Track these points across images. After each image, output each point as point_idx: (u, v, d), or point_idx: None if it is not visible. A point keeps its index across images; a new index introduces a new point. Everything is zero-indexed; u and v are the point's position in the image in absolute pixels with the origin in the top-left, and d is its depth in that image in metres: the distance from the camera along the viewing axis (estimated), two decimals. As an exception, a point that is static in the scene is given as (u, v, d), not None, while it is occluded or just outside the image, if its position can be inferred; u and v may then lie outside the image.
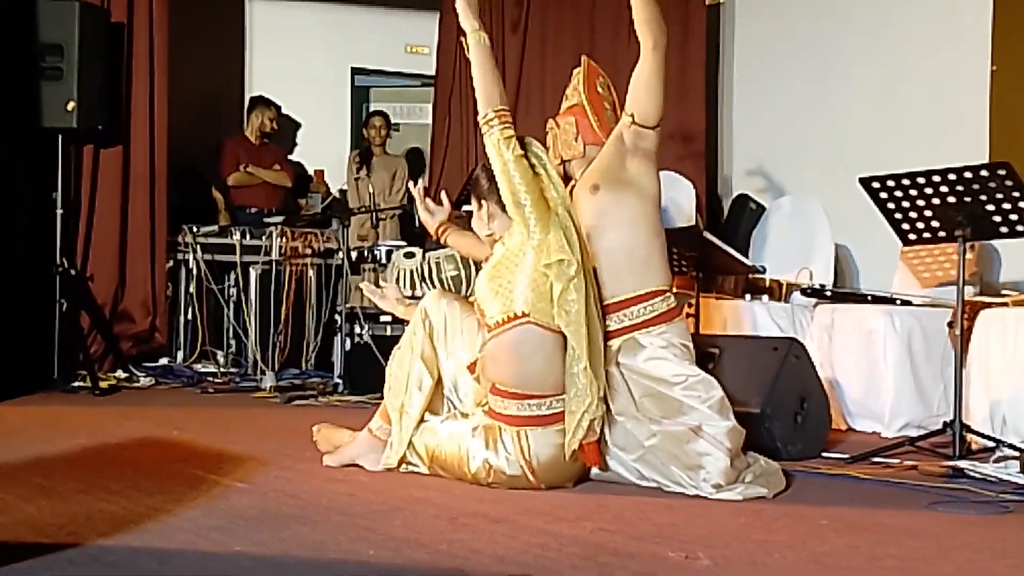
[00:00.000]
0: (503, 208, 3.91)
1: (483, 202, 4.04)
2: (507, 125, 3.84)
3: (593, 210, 4.11)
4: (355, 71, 10.08)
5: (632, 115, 4.23)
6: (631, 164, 4.20)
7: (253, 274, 7.73)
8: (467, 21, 4.01)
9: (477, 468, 3.83)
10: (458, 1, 4.04)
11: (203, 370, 7.57)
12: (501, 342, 3.83)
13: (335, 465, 4.20)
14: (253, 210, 8.61)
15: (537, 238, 3.80)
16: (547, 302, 3.79)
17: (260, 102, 8.89)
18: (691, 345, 4.14)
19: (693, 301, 5.74)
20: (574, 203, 4.01)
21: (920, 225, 4.69)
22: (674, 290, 4.23)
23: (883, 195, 4.68)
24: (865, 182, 4.70)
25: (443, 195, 4.64)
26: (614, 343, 4.04)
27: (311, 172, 9.53)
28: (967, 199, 4.49)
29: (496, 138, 3.83)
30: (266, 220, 8.02)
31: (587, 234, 4.01)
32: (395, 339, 6.53)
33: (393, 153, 9.39)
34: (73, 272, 7.02)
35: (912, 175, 4.59)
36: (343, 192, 9.38)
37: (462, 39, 4.05)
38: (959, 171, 4.47)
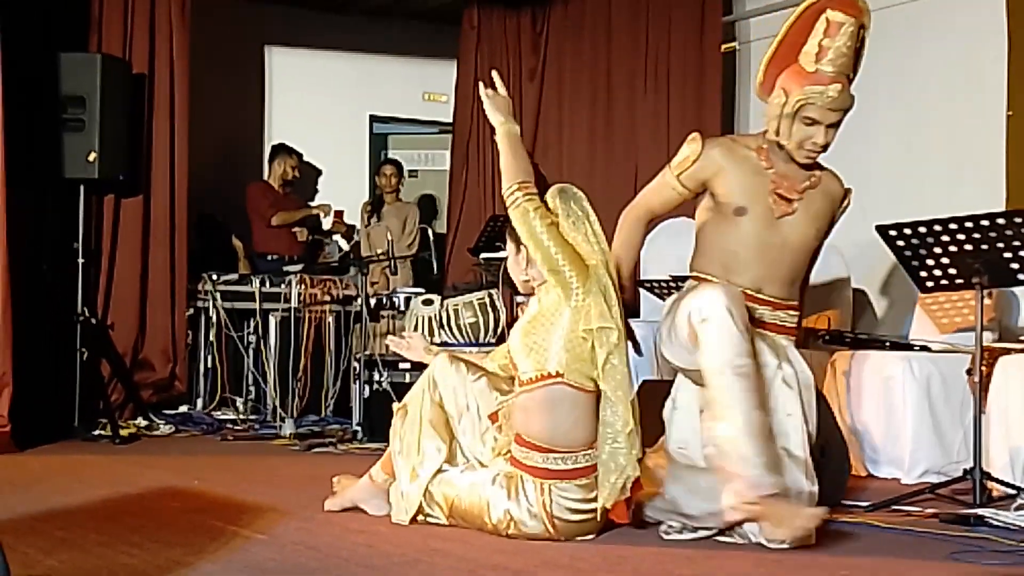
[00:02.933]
0: None
1: (521, 247, 4.04)
2: (531, 196, 3.87)
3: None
4: (373, 119, 10.17)
5: None
6: None
7: (273, 321, 7.77)
8: (494, 117, 4.07)
9: (498, 518, 3.83)
10: (485, 101, 4.07)
11: (223, 417, 7.59)
12: (533, 397, 3.85)
13: (336, 509, 4.25)
14: (273, 257, 8.66)
15: (576, 301, 3.81)
16: (582, 362, 3.82)
17: (282, 150, 8.97)
18: None
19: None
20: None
21: (937, 272, 4.69)
22: None
23: (900, 243, 4.69)
24: (882, 230, 4.71)
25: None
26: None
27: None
28: (984, 246, 4.49)
29: (522, 208, 3.85)
30: (285, 268, 8.06)
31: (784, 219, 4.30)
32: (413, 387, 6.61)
33: (406, 200, 9.45)
34: (94, 321, 7.06)
35: (929, 223, 4.60)
36: (357, 242, 9.43)
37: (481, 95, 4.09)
38: (976, 219, 4.48)
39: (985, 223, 4.46)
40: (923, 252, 4.66)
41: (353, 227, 9.45)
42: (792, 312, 4.30)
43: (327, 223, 9.10)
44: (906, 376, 5.50)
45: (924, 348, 5.75)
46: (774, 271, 4.24)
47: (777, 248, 4.23)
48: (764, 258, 4.22)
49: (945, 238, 4.58)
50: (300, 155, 9.04)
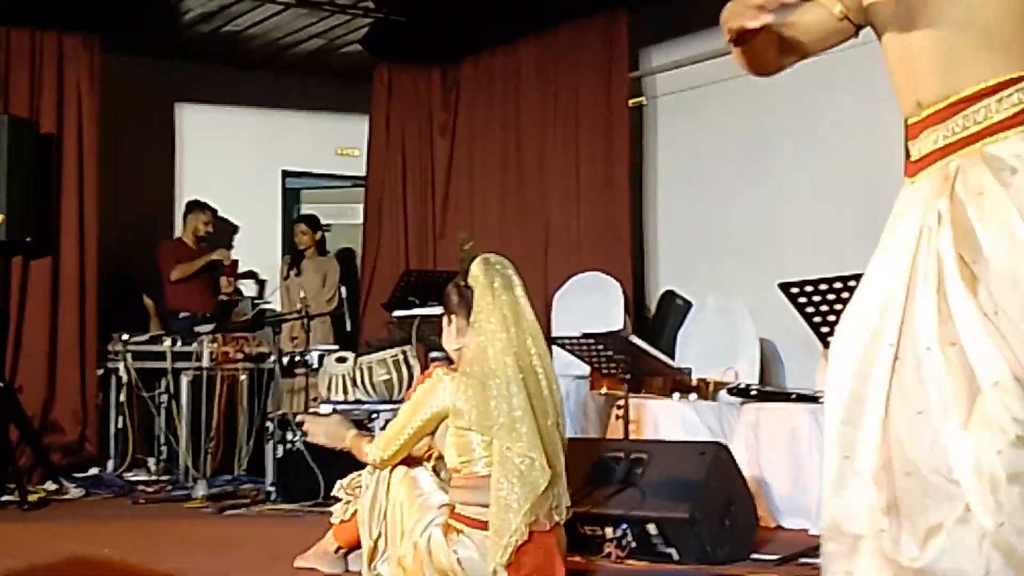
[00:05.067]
0: (469, 319, 4.02)
1: (452, 317, 4.13)
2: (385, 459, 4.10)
3: None
4: (286, 174, 10.17)
5: None
6: None
7: (184, 380, 7.70)
8: (337, 442, 4.27)
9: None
10: (315, 436, 4.35)
11: (134, 479, 7.51)
12: (467, 483, 3.99)
13: (302, 566, 4.44)
14: (185, 315, 8.60)
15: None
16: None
17: (195, 206, 8.94)
18: None
19: (623, 403, 5.81)
20: None
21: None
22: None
23: (802, 300, 4.80)
24: (784, 287, 4.83)
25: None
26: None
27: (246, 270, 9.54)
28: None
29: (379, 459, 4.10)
30: (197, 329, 8.00)
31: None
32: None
33: (325, 255, 9.46)
34: (1, 384, 6.97)
35: (829, 280, 4.72)
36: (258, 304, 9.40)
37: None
38: (873, 276, 4.60)
39: (883, 280, 4.58)
40: (825, 308, 4.77)
41: (249, 274, 9.36)
42: None
43: (223, 284, 8.97)
44: (811, 428, 5.60)
45: (829, 400, 5.87)
46: None
47: None
48: None
49: (845, 295, 4.69)
50: (214, 211, 9.00)
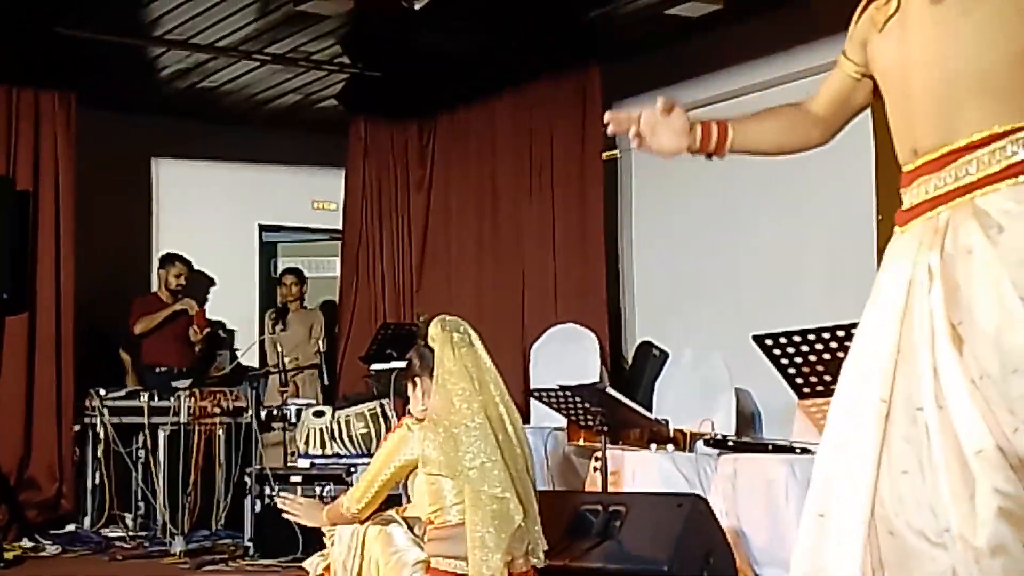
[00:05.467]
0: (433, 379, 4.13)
1: (417, 380, 4.26)
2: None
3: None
4: (262, 227, 10.19)
5: None
6: None
7: (162, 435, 7.68)
8: (315, 520, 4.36)
9: None
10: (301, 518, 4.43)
11: (111, 535, 7.47)
12: (441, 534, 4.04)
13: None
14: (162, 369, 8.58)
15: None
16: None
17: (168, 259, 8.94)
18: None
19: (600, 455, 5.84)
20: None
21: (813, 379, 4.87)
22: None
23: (776, 351, 4.86)
24: (759, 340, 4.88)
25: None
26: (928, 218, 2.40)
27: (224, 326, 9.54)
28: (856, 354, 4.67)
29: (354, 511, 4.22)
30: (174, 384, 7.99)
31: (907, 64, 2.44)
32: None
33: (309, 307, 9.47)
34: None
35: (803, 332, 4.79)
36: (262, 344, 9.38)
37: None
38: (847, 328, 4.66)
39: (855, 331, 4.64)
40: (799, 360, 4.84)
41: (217, 324, 9.32)
42: None
43: (192, 334, 8.91)
44: (789, 478, 5.62)
45: (805, 450, 5.91)
46: None
47: None
48: None
49: (819, 346, 4.76)
50: (188, 263, 8.99)
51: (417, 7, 6.87)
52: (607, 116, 2.62)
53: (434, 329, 4.20)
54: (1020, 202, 2.25)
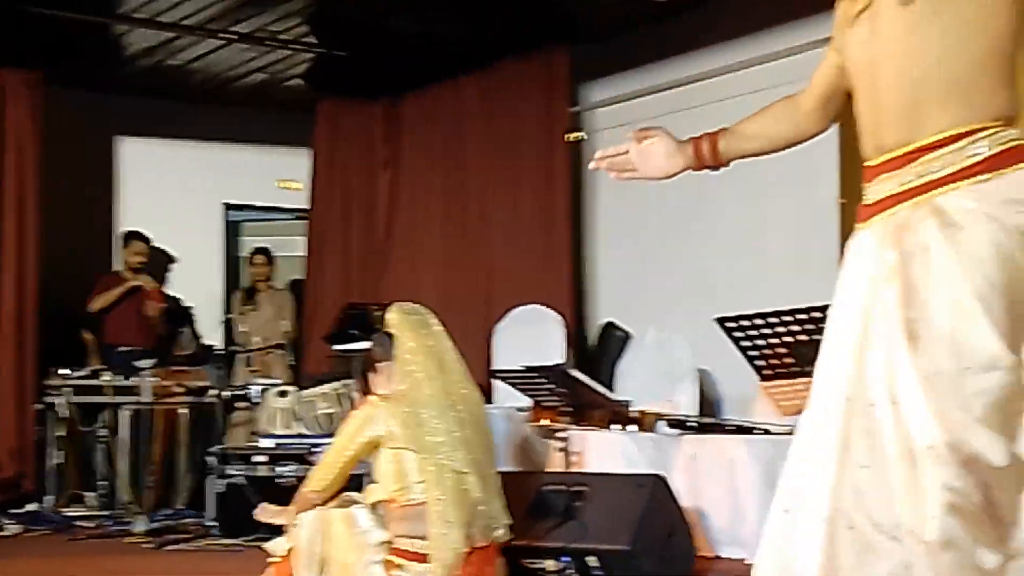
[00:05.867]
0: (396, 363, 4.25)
1: (379, 366, 4.38)
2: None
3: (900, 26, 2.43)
4: (227, 207, 10.15)
5: None
6: None
7: (124, 415, 7.65)
8: (289, 516, 4.39)
9: None
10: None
11: (73, 515, 7.44)
12: (404, 513, 4.13)
13: None
14: (125, 349, 8.53)
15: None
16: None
17: (129, 237, 8.89)
18: None
19: (564, 435, 5.88)
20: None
21: (775, 362, 4.92)
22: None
23: (739, 334, 4.90)
24: (721, 322, 4.92)
25: None
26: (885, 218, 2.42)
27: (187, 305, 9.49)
28: (818, 336, 4.71)
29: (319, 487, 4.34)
30: (137, 364, 7.95)
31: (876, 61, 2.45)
32: (268, 480, 6.61)
33: (278, 287, 9.44)
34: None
35: (765, 315, 4.83)
36: (227, 324, 9.35)
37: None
38: (808, 311, 4.71)
39: (818, 314, 4.69)
40: (761, 343, 4.88)
41: (173, 300, 9.24)
42: None
43: (147, 308, 8.83)
44: (749, 459, 5.68)
45: (765, 431, 5.96)
46: None
47: None
48: None
49: (781, 329, 4.81)
50: (148, 240, 8.93)
51: (385, -13, 6.86)
52: (594, 164, 2.70)
53: (392, 314, 4.33)
54: (980, 201, 2.27)
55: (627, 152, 2.66)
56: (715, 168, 2.74)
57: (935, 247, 2.27)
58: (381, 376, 4.39)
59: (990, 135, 2.31)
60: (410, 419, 4.13)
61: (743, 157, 2.76)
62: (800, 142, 2.74)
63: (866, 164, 2.48)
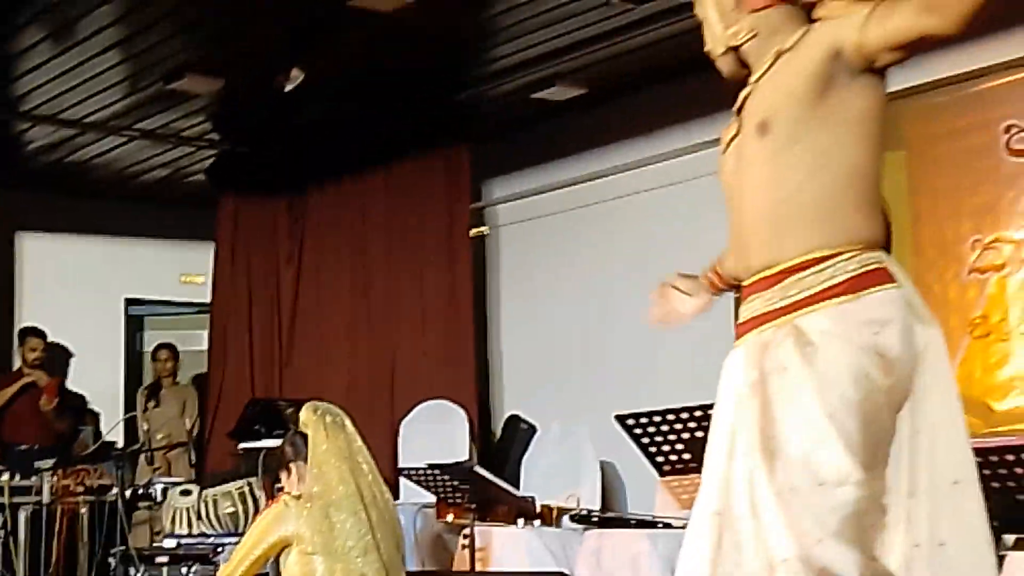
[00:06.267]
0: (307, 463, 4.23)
1: (291, 467, 4.39)
2: None
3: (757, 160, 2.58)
4: (129, 301, 10.09)
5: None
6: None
7: (22, 515, 7.52)
8: None
9: None
10: None
11: (-32, 620, 7.28)
12: None
13: None
14: (23, 447, 8.42)
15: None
16: None
17: (25, 333, 8.82)
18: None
19: (469, 532, 5.91)
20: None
21: (673, 458, 5.03)
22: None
23: (637, 431, 5.01)
24: (620, 419, 5.03)
25: None
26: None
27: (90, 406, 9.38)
28: (714, 432, 4.85)
29: None
30: (36, 464, 7.84)
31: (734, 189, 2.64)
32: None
33: (182, 383, 9.38)
34: None
35: (663, 412, 4.94)
36: (129, 421, 9.25)
37: None
38: (705, 408, 4.83)
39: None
40: (659, 439, 4.99)
41: (76, 396, 9.16)
42: None
43: (42, 403, 8.72)
44: (651, 552, 5.75)
45: (667, 525, 6.05)
46: None
47: None
48: None
49: (678, 426, 4.92)
50: (43, 335, 8.85)
51: (288, 88, 6.96)
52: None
53: (306, 414, 4.34)
54: (837, 322, 2.41)
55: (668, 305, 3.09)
56: (727, 290, 3.01)
57: (792, 367, 2.40)
58: (293, 475, 4.43)
59: (849, 258, 2.45)
60: (321, 523, 4.16)
61: (734, 278, 2.85)
62: None
63: (741, 283, 2.63)
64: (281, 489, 6.48)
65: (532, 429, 8.08)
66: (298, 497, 4.32)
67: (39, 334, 8.79)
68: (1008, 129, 6.00)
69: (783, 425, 2.38)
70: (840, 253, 2.46)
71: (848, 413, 2.33)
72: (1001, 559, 4.22)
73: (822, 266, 2.46)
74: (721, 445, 2.50)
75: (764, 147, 2.52)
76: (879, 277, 2.46)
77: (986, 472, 4.02)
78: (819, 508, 2.30)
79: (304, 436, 4.37)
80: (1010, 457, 3.97)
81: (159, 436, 8.43)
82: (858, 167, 2.48)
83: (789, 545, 2.30)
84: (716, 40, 2.64)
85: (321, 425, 4.34)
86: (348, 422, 4.45)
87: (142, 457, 8.43)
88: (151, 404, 9.02)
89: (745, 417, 2.45)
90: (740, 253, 2.61)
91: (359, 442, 4.44)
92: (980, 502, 2.42)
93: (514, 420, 8.32)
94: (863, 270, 2.45)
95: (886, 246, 2.57)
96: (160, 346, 9.35)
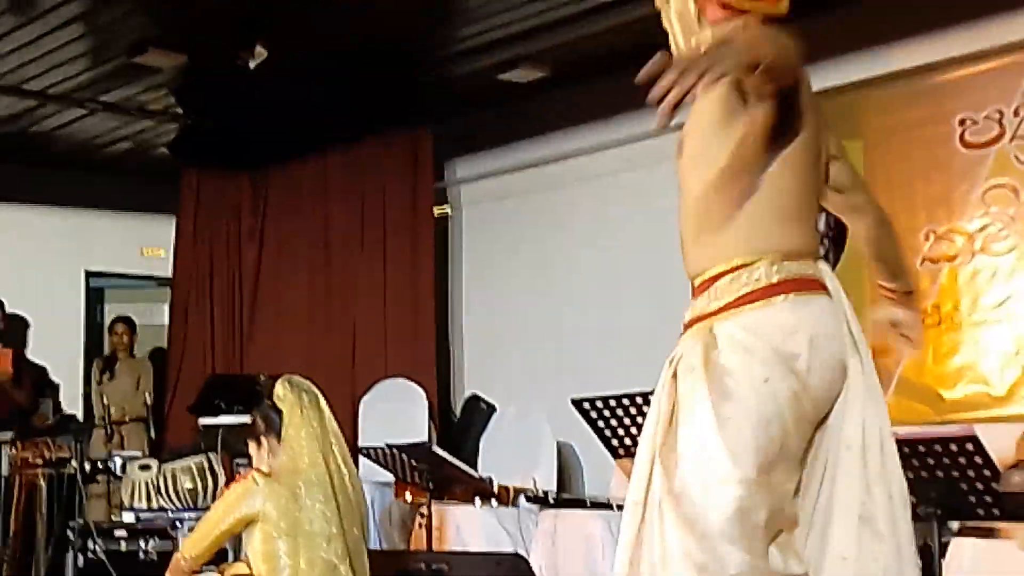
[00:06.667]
0: (280, 439, 4.18)
1: (262, 439, 4.30)
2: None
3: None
4: (89, 274, 10.06)
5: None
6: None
7: (-20, 486, 7.53)
8: None
9: None
10: None
11: (-76, 591, 7.28)
12: None
13: None
14: (-22, 419, 8.40)
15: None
16: None
17: (-18, 302, 8.80)
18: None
19: (426, 511, 5.98)
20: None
21: (628, 441, 5.10)
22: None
23: (593, 414, 5.08)
24: (576, 403, 5.10)
25: None
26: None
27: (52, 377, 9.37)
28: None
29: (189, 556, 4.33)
30: (-6, 436, 7.84)
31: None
32: (131, 555, 6.57)
33: (138, 356, 9.37)
34: None
35: (618, 397, 5.01)
36: (88, 399, 9.26)
37: None
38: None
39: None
40: (614, 423, 5.06)
41: (36, 368, 9.15)
42: None
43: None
44: (604, 534, 5.85)
45: (621, 507, 6.13)
46: None
47: None
48: None
49: (632, 410, 4.99)
50: (2, 305, 8.83)
51: (252, 65, 6.96)
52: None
53: (282, 389, 4.26)
54: (746, 329, 2.54)
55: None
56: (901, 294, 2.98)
57: (696, 370, 2.54)
58: (263, 449, 4.35)
59: (767, 267, 2.57)
60: (290, 503, 4.12)
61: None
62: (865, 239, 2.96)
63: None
64: (243, 464, 6.56)
65: (492, 409, 8.15)
66: (267, 474, 4.26)
67: (-3, 305, 8.78)
68: (962, 122, 6.11)
69: (681, 426, 2.52)
70: (757, 261, 2.58)
71: (742, 417, 2.47)
72: (945, 545, 4.35)
73: (739, 274, 2.59)
74: (647, 435, 2.63)
75: (683, 164, 2.68)
76: (795, 286, 2.58)
77: (930, 461, 4.13)
78: (703, 508, 2.43)
79: (278, 410, 4.29)
80: (953, 447, 4.06)
81: (113, 409, 8.42)
82: (772, 182, 2.59)
83: (677, 542, 2.44)
84: (680, 52, 2.73)
85: (298, 402, 4.26)
86: (323, 401, 4.38)
87: (97, 430, 8.42)
88: (106, 376, 9.02)
89: (657, 414, 2.60)
90: (683, 261, 2.74)
91: (332, 421, 4.36)
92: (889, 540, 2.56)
93: (474, 400, 8.39)
94: (777, 279, 2.57)
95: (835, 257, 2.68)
96: (117, 319, 9.34)
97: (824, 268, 2.67)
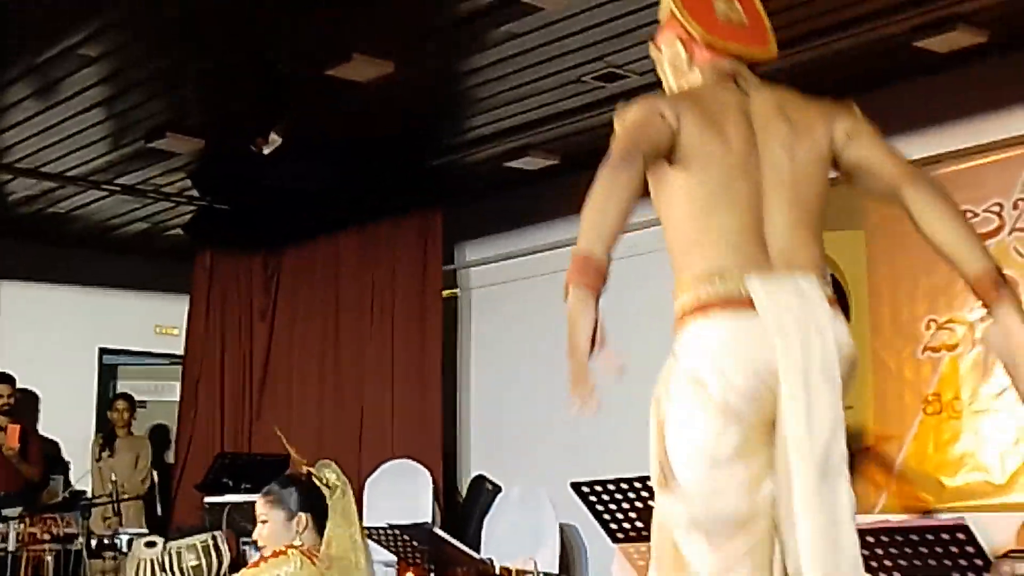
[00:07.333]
0: (319, 527, 4.21)
1: (301, 516, 4.28)
2: None
3: None
4: (103, 351, 10.18)
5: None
6: None
7: (-12, 561, 7.58)
8: None
9: None
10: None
11: (-69, 665, 7.30)
12: None
13: None
14: (-11, 493, 8.46)
15: None
16: None
17: (-4, 378, 8.89)
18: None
19: (427, 593, 6.02)
20: None
21: (627, 525, 5.14)
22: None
23: (592, 498, 5.13)
24: (576, 487, 5.15)
25: None
26: None
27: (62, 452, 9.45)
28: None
29: None
30: (4, 512, 7.89)
31: None
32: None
33: (138, 433, 9.45)
34: None
35: (618, 481, 5.06)
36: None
37: None
38: (658, 478, 4.96)
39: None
40: (613, 507, 5.11)
41: (49, 444, 9.24)
42: None
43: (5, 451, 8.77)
44: (605, 618, 5.88)
45: (622, 590, 6.16)
46: None
47: None
48: None
49: (632, 495, 5.04)
50: (12, 380, 8.94)
51: (266, 151, 7.12)
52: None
53: (333, 475, 4.28)
54: (678, 343, 2.83)
55: None
56: None
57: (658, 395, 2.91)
58: (292, 523, 4.28)
59: (686, 291, 2.81)
60: None
61: None
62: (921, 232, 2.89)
63: None
64: (249, 543, 6.59)
65: (497, 489, 8.17)
66: (311, 555, 4.22)
67: (7, 380, 8.86)
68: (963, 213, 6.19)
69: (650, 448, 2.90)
70: (684, 288, 2.81)
71: (676, 433, 2.79)
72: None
73: (678, 298, 2.83)
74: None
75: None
76: (706, 305, 2.73)
77: (923, 550, 4.18)
78: (659, 530, 2.78)
79: (318, 492, 4.23)
80: (945, 536, 4.11)
81: (110, 486, 8.44)
82: (690, 215, 2.80)
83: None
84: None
85: (342, 495, 4.25)
86: (347, 486, 4.39)
87: (98, 509, 8.45)
88: (105, 453, 9.09)
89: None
90: None
91: (353, 506, 4.38)
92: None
93: (480, 480, 8.42)
94: (693, 301, 2.77)
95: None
96: (117, 396, 9.45)
97: (764, 280, 2.70)
